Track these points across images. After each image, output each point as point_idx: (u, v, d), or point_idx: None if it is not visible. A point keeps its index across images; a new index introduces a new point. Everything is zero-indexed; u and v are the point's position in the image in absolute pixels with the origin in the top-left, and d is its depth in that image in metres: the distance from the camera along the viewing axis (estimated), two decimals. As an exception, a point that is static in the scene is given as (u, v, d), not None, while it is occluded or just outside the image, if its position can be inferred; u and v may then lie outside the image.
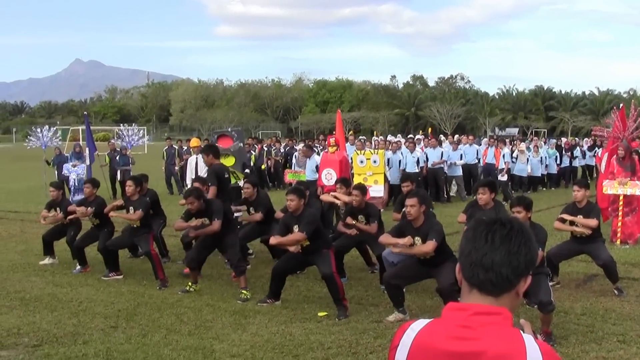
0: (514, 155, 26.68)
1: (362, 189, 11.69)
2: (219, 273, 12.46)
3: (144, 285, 11.66)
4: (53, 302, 10.52)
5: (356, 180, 14.77)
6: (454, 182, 25.35)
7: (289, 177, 19.82)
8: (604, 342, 8.33)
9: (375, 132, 36.10)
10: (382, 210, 14.51)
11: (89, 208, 12.68)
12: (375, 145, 25.23)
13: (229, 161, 15.68)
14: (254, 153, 26.91)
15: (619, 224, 15.13)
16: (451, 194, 25.34)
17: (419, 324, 2.39)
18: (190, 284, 11.19)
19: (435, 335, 2.30)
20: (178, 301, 10.54)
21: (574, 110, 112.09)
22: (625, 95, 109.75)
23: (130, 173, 23.23)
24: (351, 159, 20.12)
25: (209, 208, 11.02)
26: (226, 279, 11.97)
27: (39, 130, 27.36)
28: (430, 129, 39.12)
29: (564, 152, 30.49)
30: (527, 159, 26.56)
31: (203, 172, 17.77)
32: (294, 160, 25.28)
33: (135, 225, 12.16)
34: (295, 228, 9.90)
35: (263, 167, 27.98)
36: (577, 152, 31.18)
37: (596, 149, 30.15)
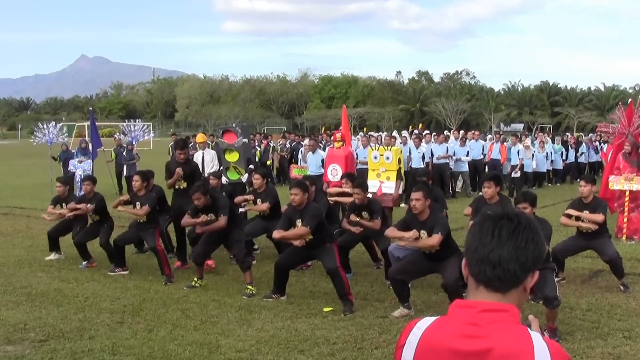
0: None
1: (363, 186, 11.68)
2: (225, 269, 12.47)
3: (150, 281, 11.68)
4: (59, 297, 10.54)
5: (370, 175, 14.80)
6: (459, 177, 25.35)
7: (294, 172, 19.81)
8: (609, 338, 8.33)
9: (420, 126, 36.01)
10: (392, 207, 14.50)
11: (89, 205, 12.70)
12: (379, 141, 25.20)
13: (232, 157, 15.70)
14: (259, 149, 26.90)
15: (625, 219, 15.10)
16: (457, 189, 25.33)
17: (426, 322, 2.37)
18: (195, 279, 11.22)
19: (443, 333, 2.28)
20: (184, 296, 10.56)
21: (580, 106, 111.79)
22: (630, 91, 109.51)
23: (136, 168, 23.25)
24: (357, 154, 20.16)
25: (215, 204, 11.04)
26: (232, 275, 11.98)
27: (44, 126, 27.33)
28: (420, 125, 38.98)
29: (570, 147, 30.41)
30: (533, 155, 26.52)
31: (209, 167, 17.79)
32: (299, 156, 25.30)
33: (141, 220, 12.18)
34: (299, 222, 9.91)
35: (268, 162, 27.98)
36: (582, 148, 31.05)
37: (601, 144, 30.08)
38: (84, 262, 12.79)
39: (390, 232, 9.65)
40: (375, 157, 14.81)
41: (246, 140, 16.56)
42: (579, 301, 10.00)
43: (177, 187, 12.99)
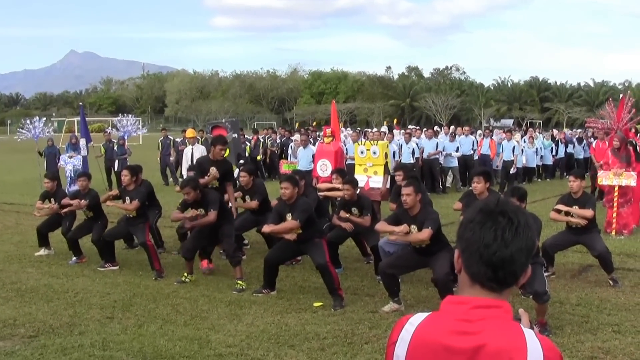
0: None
1: (353, 182, 11.69)
2: (215, 264, 12.45)
3: (140, 276, 11.66)
4: (49, 293, 10.52)
5: (357, 170, 14.77)
6: (449, 172, 25.40)
7: (284, 167, 19.81)
8: (599, 332, 8.36)
9: (395, 121, 35.95)
10: (380, 201, 14.50)
11: (83, 201, 12.67)
12: (368, 136, 25.24)
13: (223, 152, 15.66)
14: (249, 144, 26.90)
15: (614, 214, 15.15)
16: (447, 184, 25.39)
17: (418, 318, 2.35)
18: (185, 274, 11.21)
19: (436, 329, 2.27)
20: (174, 292, 10.55)
21: (569, 102, 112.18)
22: (620, 87, 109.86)
23: (127, 162, 23.24)
24: (348, 149, 20.16)
25: (205, 199, 11.03)
26: (222, 270, 11.97)
27: (29, 122, 27.27)
28: (395, 120, 38.87)
29: (559, 143, 30.47)
30: (522, 150, 26.58)
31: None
32: (289, 151, 25.29)
33: (131, 216, 12.15)
34: (289, 216, 9.91)
35: (259, 157, 27.98)
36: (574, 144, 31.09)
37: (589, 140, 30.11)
38: (74, 258, 12.76)
39: (381, 226, 9.67)
40: (362, 152, 14.81)
41: (236, 135, 16.56)
42: (568, 296, 10.03)
43: (209, 186, 12.01)
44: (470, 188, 10.70)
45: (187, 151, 19.52)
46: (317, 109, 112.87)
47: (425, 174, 23.29)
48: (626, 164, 15.11)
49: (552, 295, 9.03)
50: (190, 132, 21.15)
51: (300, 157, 19.76)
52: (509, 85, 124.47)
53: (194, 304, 9.79)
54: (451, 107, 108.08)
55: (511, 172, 25.28)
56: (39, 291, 10.61)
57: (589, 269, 11.71)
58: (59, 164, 23.81)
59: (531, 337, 2.18)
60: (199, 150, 19.28)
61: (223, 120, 17.44)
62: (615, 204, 15.12)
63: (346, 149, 20.28)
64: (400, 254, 9.80)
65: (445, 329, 2.25)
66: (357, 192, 11.80)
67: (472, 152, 25.68)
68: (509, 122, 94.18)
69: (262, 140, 30.10)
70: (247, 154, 23.99)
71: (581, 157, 30.05)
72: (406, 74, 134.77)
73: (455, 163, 24.76)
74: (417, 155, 22.97)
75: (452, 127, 29.42)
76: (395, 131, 25.95)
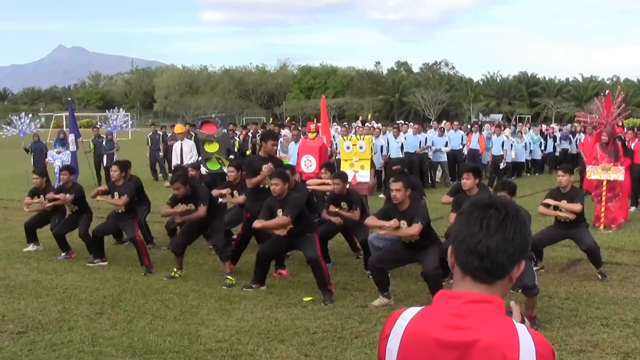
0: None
1: (343, 176, 11.70)
2: (204, 259, 12.45)
3: (129, 272, 11.64)
4: (38, 288, 10.49)
5: (343, 166, 14.75)
6: (438, 167, 25.44)
7: (272, 162, 19.79)
8: (587, 325, 8.39)
9: (369, 116, 35.69)
10: (368, 195, 14.51)
11: (68, 195, 12.64)
12: (356, 131, 25.23)
13: (213, 147, 15.64)
14: (237, 139, 26.85)
15: (603, 209, 15.21)
16: (436, 179, 25.43)
17: (410, 312, 2.35)
18: (175, 269, 11.20)
19: (428, 324, 2.27)
20: (163, 287, 10.53)
21: (558, 97, 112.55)
22: (608, 82, 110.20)
23: (114, 157, 23.21)
24: (336, 144, 20.13)
25: (195, 194, 11.02)
26: (211, 265, 11.96)
27: (15, 118, 27.16)
28: (370, 115, 38.63)
29: (548, 137, 30.53)
30: (512, 145, 26.64)
31: (187, 157, 17.77)
32: (278, 146, 25.26)
33: (120, 211, 12.12)
34: (279, 212, 9.90)
35: (248, 152, 27.94)
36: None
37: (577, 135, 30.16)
38: (63, 254, 12.73)
39: (371, 221, 9.68)
40: (348, 147, 14.81)
41: (225, 130, 16.53)
42: (557, 290, 10.07)
43: (261, 185, 11.34)
44: (460, 183, 10.71)
45: (177, 146, 19.48)
46: (306, 104, 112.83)
47: (414, 168, 23.28)
48: (614, 159, 15.16)
49: (541, 289, 9.07)
50: (178, 128, 21.07)
51: (292, 152, 19.73)
52: (498, 80, 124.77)
53: (184, 299, 9.78)
54: (440, 102, 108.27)
55: (500, 167, 25.35)
56: (27, 287, 10.59)
57: (577, 263, 11.76)
58: (46, 160, 23.75)
59: (523, 332, 2.18)
60: (188, 145, 19.24)
61: (212, 115, 17.40)
62: (603, 199, 15.17)
63: (335, 144, 20.27)
64: (390, 249, 9.82)
65: (438, 323, 2.25)
66: (347, 186, 11.82)
67: (461, 146, 25.74)
68: (498, 116, 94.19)
69: (250, 135, 30.06)
70: (236, 149, 23.94)
71: (574, 152, 30.12)
72: (395, 69, 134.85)
73: (444, 158, 24.81)
74: (405, 149, 22.97)
75: (444, 122, 29.37)
76: (367, 125, 25.87)
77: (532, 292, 8.27)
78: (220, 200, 12.75)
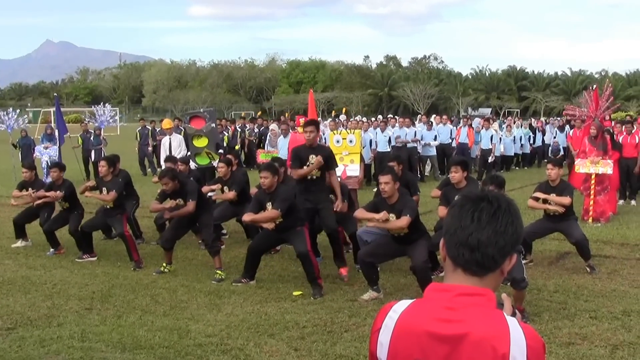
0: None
1: None
2: (194, 254, 12.44)
3: (119, 267, 11.63)
4: (27, 284, 10.46)
5: (333, 160, 14.78)
6: (428, 161, 25.48)
7: (261, 157, 19.76)
8: (576, 318, 8.42)
9: (343, 110, 35.58)
10: (357, 189, 14.51)
11: (58, 192, 12.60)
12: (344, 125, 25.26)
13: (201, 142, 15.64)
14: (227, 134, 26.84)
15: (591, 202, 15.25)
16: (425, 173, 25.47)
17: (402, 305, 2.36)
18: (164, 264, 11.19)
19: (420, 316, 2.28)
20: (153, 282, 10.52)
21: (547, 91, 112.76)
22: (597, 76, 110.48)
23: (103, 153, 23.16)
24: (326, 138, 20.13)
25: (184, 189, 11.00)
26: (201, 260, 11.95)
27: (3, 113, 27.07)
28: (344, 109, 38.41)
29: (537, 131, 30.60)
30: (500, 139, 26.70)
31: (176, 152, 17.73)
32: (267, 141, 25.27)
33: (108, 206, 12.09)
34: (269, 205, 9.89)
35: (237, 147, 27.91)
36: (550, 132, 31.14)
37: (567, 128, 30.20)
38: (52, 249, 12.70)
39: (360, 213, 9.69)
40: (338, 141, 14.82)
41: (214, 125, 16.51)
42: (546, 283, 10.11)
43: (308, 177, 10.83)
44: (449, 177, 10.72)
45: (165, 141, 19.45)
46: (295, 98, 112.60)
47: (405, 163, 23.27)
48: (603, 152, 15.20)
49: (530, 282, 9.10)
50: (167, 123, 21.04)
51: (281, 146, 19.72)
52: (487, 74, 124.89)
53: (173, 294, 9.77)
54: (429, 96, 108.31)
55: (489, 161, 25.42)
56: (16, 283, 10.56)
57: (566, 256, 11.80)
58: (34, 155, 23.69)
59: (514, 325, 2.19)
60: (177, 140, 19.21)
61: (201, 110, 17.38)
62: (592, 192, 15.22)
63: (324, 139, 20.27)
64: (379, 243, 9.82)
65: (429, 316, 2.25)
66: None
67: (450, 140, 25.81)
68: (487, 110, 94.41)
69: (239, 129, 30.06)
70: (225, 144, 23.92)
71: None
72: (384, 63, 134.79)
73: (433, 152, 24.84)
74: (393, 143, 23.00)
75: (434, 116, 29.40)
76: (340, 118, 25.86)
77: (521, 285, 8.30)
78: (209, 195, 12.75)
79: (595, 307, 8.87)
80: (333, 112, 37.16)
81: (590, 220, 15.08)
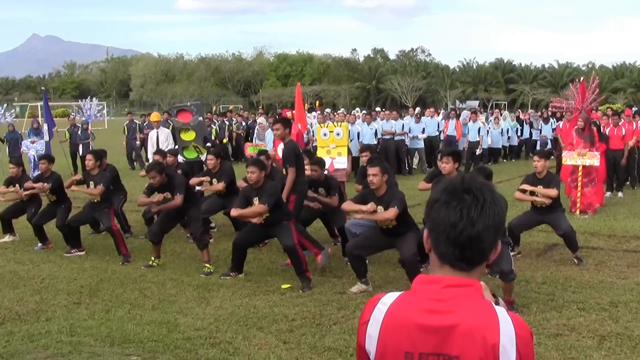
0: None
1: (321, 163, 11.71)
2: (182, 247, 12.44)
3: (107, 261, 11.61)
4: (15, 279, 10.44)
5: (319, 152, 14.75)
6: (415, 154, 25.53)
7: (249, 150, 19.77)
8: (564, 309, 8.46)
9: (317, 103, 35.55)
10: (346, 181, 14.54)
11: (46, 184, 12.56)
12: (331, 118, 25.28)
13: (189, 135, 15.62)
14: (214, 127, 26.81)
15: (578, 194, 15.30)
16: (413, 166, 25.52)
17: (390, 298, 2.35)
18: (153, 258, 11.17)
19: (408, 308, 2.28)
20: (141, 276, 10.51)
21: (534, 83, 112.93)
22: (584, 68, 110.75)
23: (90, 147, 23.10)
24: (314, 132, 20.13)
25: (171, 182, 10.99)
26: (189, 253, 11.95)
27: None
28: (317, 102, 38.13)
29: (524, 124, 30.65)
30: (488, 131, 26.75)
31: (164, 146, 17.69)
32: (255, 134, 25.26)
33: (95, 200, 12.06)
34: (256, 200, 9.89)
35: (225, 140, 27.88)
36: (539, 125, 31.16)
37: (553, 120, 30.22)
38: (40, 244, 12.67)
39: (347, 205, 9.70)
40: (325, 134, 14.84)
41: (201, 118, 16.49)
42: (534, 274, 10.15)
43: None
44: (436, 169, 10.72)
45: (152, 135, 19.42)
46: (283, 91, 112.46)
47: (391, 155, 23.32)
48: (590, 144, 15.25)
49: (518, 274, 9.14)
50: (154, 116, 21.02)
51: (269, 140, 19.73)
52: (474, 67, 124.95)
53: (162, 288, 9.77)
54: (417, 89, 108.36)
55: (477, 153, 25.48)
56: (4, 278, 10.53)
57: (554, 248, 11.84)
58: (21, 149, 23.61)
59: (503, 315, 2.20)
60: (164, 134, 19.19)
61: (188, 104, 17.35)
62: (579, 184, 15.27)
63: (313, 132, 20.28)
64: (368, 235, 9.83)
65: (417, 307, 2.26)
66: (325, 172, 11.85)
67: (437, 133, 25.87)
68: (474, 103, 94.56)
69: (227, 123, 30.03)
70: (213, 137, 23.89)
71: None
72: (372, 56, 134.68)
73: (421, 144, 24.91)
74: (379, 136, 23.04)
75: (417, 108, 29.41)
76: (314, 113, 25.83)
77: (509, 277, 8.33)
78: (198, 188, 12.74)
79: (583, 299, 8.91)
80: (306, 105, 37.12)
81: (577, 212, 15.14)
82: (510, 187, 15.71)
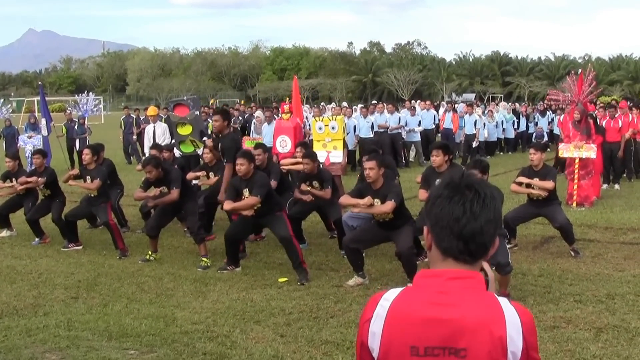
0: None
1: (312, 156, 11.71)
2: (179, 242, 12.45)
3: (104, 256, 11.61)
4: (12, 274, 10.44)
5: (315, 146, 14.76)
6: (412, 147, 25.55)
7: (246, 144, 19.78)
8: (561, 302, 8.48)
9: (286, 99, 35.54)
10: (341, 175, 14.54)
11: (40, 178, 12.56)
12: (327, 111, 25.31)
13: (186, 130, 15.61)
14: (211, 121, 26.79)
15: (575, 187, 15.32)
16: (409, 159, 25.54)
17: (392, 294, 2.36)
18: (150, 253, 11.17)
19: (412, 303, 2.29)
20: (138, 270, 10.52)
21: (530, 76, 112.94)
22: (580, 61, 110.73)
23: (87, 142, 23.08)
24: (309, 125, 20.13)
25: (168, 177, 10.99)
26: (186, 247, 11.96)
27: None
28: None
29: (521, 116, 30.65)
30: (484, 124, 26.76)
31: (160, 140, 17.68)
32: (252, 128, 25.25)
33: (92, 195, 12.06)
34: (246, 192, 9.88)
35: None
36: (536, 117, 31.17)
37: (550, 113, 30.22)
38: (37, 239, 12.66)
39: (344, 199, 9.71)
40: (320, 128, 14.83)
41: (197, 112, 16.49)
42: (531, 267, 10.16)
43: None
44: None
45: (149, 129, 19.39)
46: (279, 85, 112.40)
47: (387, 148, 23.32)
48: (586, 137, 15.26)
49: (515, 266, 9.16)
50: (152, 110, 20.96)
51: (265, 133, 19.76)
52: (471, 59, 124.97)
53: (159, 282, 9.77)
54: (413, 82, 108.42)
55: (473, 146, 25.49)
56: (1, 273, 10.53)
57: (550, 240, 11.86)
58: (18, 144, 23.58)
59: (507, 306, 2.24)
60: (161, 128, 19.17)
61: (185, 98, 17.34)
62: (576, 176, 15.29)
63: (308, 126, 20.29)
64: (364, 228, 9.85)
65: (422, 301, 2.27)
66: (319, 165, 11.85)
67: (433, 126, 25.90)
68: (470, 96, 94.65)
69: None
70: (209, 131, 23.89)
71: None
72: (368, 49, 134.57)
73: (417, 138, 24.94)
74: (375, 129, 23.05)
75: (416, 101, 29.45)
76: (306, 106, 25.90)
77: (506, 270, 8.34)
78: (195, 182, 12.74)
79: (580, 291, 8.92)
80: (287, 99, 37.03)
81: (574, 204, 15.15)
82: (506, 180, 15.71)
